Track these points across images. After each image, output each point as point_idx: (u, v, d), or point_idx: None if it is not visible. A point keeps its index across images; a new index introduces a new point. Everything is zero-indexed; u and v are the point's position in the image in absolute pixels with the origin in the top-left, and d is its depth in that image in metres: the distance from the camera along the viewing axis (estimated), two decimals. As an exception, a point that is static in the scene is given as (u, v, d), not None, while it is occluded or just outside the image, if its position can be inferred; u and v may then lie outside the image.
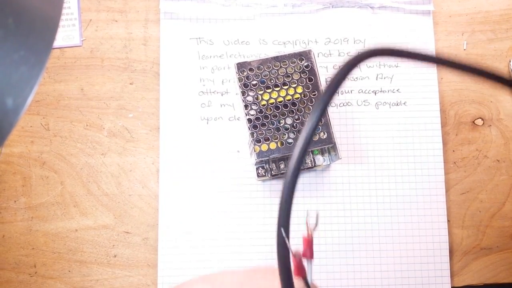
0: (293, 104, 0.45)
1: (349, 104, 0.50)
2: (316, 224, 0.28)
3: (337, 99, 0.50)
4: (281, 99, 0.45)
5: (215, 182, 0.48)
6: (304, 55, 0.45)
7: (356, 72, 0.50)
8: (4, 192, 0.47)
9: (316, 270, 0.47)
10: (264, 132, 0.44)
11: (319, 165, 0.46)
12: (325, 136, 0.44)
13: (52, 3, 0.23)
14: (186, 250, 0.47)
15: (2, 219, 0.47)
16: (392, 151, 0.49)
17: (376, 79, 0.50)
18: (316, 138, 0.44)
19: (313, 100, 0.44)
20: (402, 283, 0.47)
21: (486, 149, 0.50)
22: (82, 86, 0.49)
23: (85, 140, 0.49)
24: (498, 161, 0.50)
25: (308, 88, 0.45)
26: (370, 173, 0.49)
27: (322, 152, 0.46)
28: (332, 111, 0.49)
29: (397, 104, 0.50)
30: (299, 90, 0.45)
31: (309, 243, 0.27)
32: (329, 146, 0.45)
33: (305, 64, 0.45)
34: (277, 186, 0.48)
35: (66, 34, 0.50)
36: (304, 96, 0.45)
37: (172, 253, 0.47)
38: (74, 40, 0.50)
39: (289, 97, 0.45)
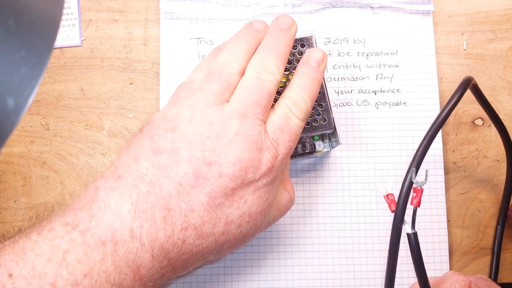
0: None
1: (349, 104, 0.50)
2: (426, 180, 0.37)
3: (337, 99, 0.50)
4: (282, 84, 0.44)
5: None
6: (306, 41, 0.44)
7: (356, 72, 0.50)
8: (4, 192, 0.47)
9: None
10: None
11: (319, 151, 0.45)
12: (325, 122, 0.43)
13: (53, 3, 0.23)
14: (186, 250, 0.47)
15: (2, 219, 0.47)
16: (392, 151, 0.49)
17: (376, 79, 0.50)
18: (316, 123, 0.43)
19: None
20: (402, 283, 0.47)
21: (486, 149, 0.50)
22: (82, 86, 0.49)
23: (85, 140, 0.49)
24: (498, 161, 0.50)
25: None
26: (370, 173, 0.49)
27: (322, 138, 0.46)
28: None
29: (397, 104, 0.50)
30: None
31: (420, 192, 0.37)
32: (329, 132, 0.45)
33: (306, 50, 0.44)
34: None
35: (66, 34, 0.50)
36: None
37: (172, 253, 0.47)
38: (74, 40, 0.50)
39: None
